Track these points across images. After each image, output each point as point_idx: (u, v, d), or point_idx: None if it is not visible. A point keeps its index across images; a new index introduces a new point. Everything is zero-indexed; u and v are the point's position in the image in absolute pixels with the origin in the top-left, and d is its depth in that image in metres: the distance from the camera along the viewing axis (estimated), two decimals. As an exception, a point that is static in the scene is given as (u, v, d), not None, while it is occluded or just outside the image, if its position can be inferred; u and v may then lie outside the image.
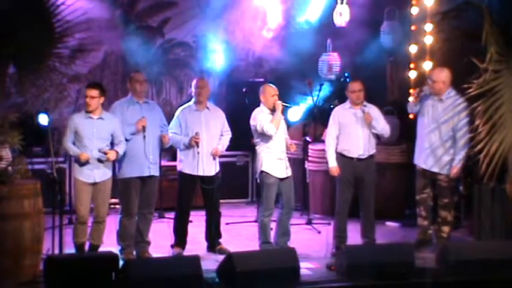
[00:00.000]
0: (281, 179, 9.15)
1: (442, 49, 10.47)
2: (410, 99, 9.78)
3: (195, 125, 9.23)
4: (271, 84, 9.39)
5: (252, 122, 9.17)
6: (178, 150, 9.45)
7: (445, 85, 9.28)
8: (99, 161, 8.60)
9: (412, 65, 11.02)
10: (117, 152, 8.69)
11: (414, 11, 11.18)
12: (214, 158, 9.27)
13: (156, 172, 9.10)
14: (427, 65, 10.54)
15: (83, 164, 8.61)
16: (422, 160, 9.39)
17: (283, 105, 9.16)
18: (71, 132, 8.65)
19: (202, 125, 9.26)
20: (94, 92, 8.65)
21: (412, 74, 11.06)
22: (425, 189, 9.51)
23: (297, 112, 11.86)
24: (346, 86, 9.38)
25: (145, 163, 8.96)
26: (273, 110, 9.14)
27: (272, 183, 9.10)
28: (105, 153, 8.62)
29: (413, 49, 11.05)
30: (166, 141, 9.06)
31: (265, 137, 9.09)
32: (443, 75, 9.29)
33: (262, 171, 9.13)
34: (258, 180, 9.28)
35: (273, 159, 9.13)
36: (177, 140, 9.25)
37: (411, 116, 10.50)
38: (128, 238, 8.98)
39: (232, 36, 12.92)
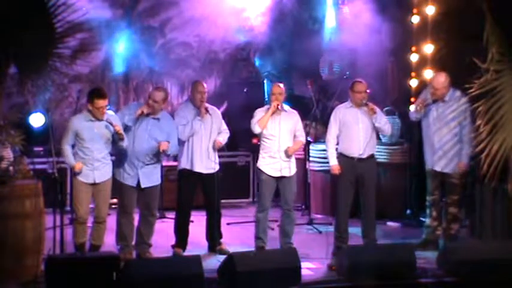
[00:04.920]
0: (277, 178, 9.20)
1: (443, 50, 10.48)
2: (412, 108, 9.79)
3: (195, 124, 9.23)
4: (278, 84, 9.39)
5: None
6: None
7: (446, 89, 9.33)
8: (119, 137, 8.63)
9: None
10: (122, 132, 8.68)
11: (415, 10, 11.19)
12: (214, 150, 9.27)
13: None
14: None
15: (77, 173, 8.62)
16: (434, 162, 9.39)
17: (276, 106, 9.16)
18: (71, 134, 8.64)
19: (201, 124, 9.26)
20: (104, 102, 8.63)
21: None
22: (436, 190, 9.53)
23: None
24: (351, 85, 9.34)
25: (136, 174, 8.94)
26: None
27: (264, 180, 9.20)
28: (112, 125, 8.62)
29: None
30: (163, 147, 8.86)
31: (260, 134, 9.19)
32: (443, 80, 9.33)
33: (256, 167, 9.33)
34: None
35: (266, 157, 9.21)
36: (187, 127, 9.16)
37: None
38: (125, 238, 8.96)
39: (233, 36, 12.93)
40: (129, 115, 8.91)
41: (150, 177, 8.99)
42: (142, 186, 8.92)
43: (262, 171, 9.24)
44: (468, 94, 9.04)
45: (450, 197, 9.49)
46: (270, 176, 9.20)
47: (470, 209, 10.06)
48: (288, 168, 9.22)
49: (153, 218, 9.14)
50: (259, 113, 9.22)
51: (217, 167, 9.36)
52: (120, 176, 8.94)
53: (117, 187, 8.98)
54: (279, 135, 9.18)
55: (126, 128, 8.83)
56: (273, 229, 9.73)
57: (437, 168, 9.39)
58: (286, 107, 9.32)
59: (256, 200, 9.44)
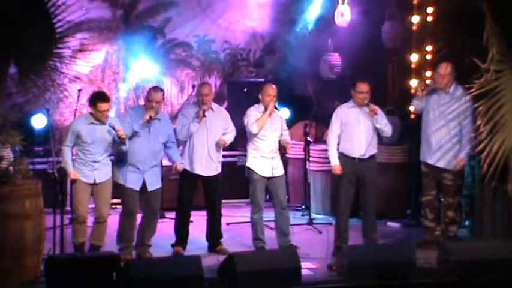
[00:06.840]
0: (268, 178, 9.23)
1: (443, 50, 10.48)
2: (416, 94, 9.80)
3: (191, 126, 9.23)
4: (272, 85, 9.41)
5: (244, 118, 9.23)
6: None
7: (450, 79, 9.35)
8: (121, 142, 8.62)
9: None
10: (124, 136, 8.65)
11: (416, 11, 11.18)
12: (218, 149, 9.29)
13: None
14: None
15: (72, 180, 8.65)
16: (429, 156, 9.40)
17: (274, 107, 9.18)
18: (72, 136, 8.64)
19: (205, 125, 9.26)
20: (107, 105, 8.62)
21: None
22: (430, 191, 9.52)
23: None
24: (353, 85, 9.31)
25: (141, 177, 8.94)
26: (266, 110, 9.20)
27: (256, 180, 9.22)
28: (115, 129, 8.59)
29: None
30: (179, 169, 9.06)
31: (252, 135, 9.18)
32: (448, 68, 9.38)
33: (247, 167, 9.31)
34: (246, 175, 9.40)
35: (258, 157, 9.24)
36: (184, 128, 9.17)
37: (412, 116, 10.51)
38: (126, 239, 8.95)
39: (233, 36, 12.94)
40: (137, 121, 8.83)
41: (155, 180, 9.01)
42: (150, 189, 8.92)
43: (254, 171, 9.26)
44: (469, 94, 9.05)
45: (446, 199, 9.49)
46: (262, 176, 9.23)
47: (470, 210, 10.07)
48: (279, 168, 9.31)
49: (156, 219, 9.14)
50: (253, 113, 9.23)
51: (219, 170, 9.37)
52: (123, 180, 8.90)
53: (119, 190, 8.96)
54: (271, 135, 9.23)
55: (134, 134, 8.81)
56: (272, 229, 9.73)
57: (431, 162, 9.38)
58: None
59: (250, 202, 9.42)
